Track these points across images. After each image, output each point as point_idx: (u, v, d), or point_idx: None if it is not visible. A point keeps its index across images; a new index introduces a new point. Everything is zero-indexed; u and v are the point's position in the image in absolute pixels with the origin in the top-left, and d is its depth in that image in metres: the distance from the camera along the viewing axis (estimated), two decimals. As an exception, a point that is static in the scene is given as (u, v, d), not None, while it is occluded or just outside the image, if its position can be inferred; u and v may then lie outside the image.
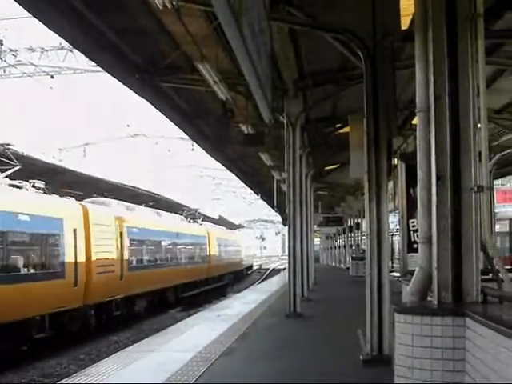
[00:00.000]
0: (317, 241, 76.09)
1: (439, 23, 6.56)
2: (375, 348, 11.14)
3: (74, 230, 21.07)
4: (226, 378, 10.50)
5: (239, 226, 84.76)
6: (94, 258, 22.16)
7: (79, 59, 29.24)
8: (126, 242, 25.88)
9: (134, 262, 26.91)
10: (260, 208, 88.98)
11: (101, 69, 18.11)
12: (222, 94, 15.77)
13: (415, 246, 12.95)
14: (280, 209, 45.32)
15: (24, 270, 18.07)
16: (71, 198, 23.43)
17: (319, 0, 12.55)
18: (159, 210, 35.62)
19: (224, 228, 59.96)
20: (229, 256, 53.52)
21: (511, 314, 5.44)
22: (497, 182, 42.04)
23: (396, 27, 12.13)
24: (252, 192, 53.71)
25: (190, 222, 42.19)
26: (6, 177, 19.71)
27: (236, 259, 58.37)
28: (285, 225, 26.60)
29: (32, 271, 18.56)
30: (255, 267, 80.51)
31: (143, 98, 18.28)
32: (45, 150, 38.40)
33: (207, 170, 65.48)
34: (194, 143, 31.00)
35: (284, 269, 48.72)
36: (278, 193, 37.41)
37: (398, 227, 23.02)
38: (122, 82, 16.95)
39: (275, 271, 68.23)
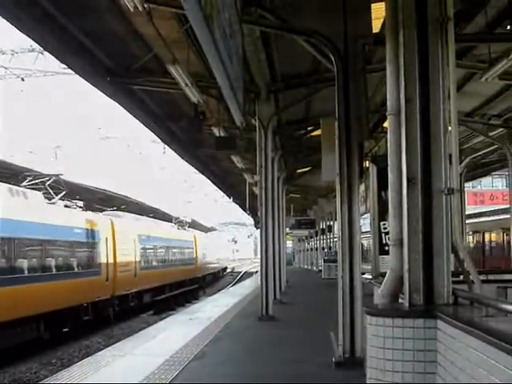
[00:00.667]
0: (289, 243, 76.23)
1: (410, 27, 6.60)
2: (347, 350, 11.15)
3: (106, 239, 27.33)
4: (198, 382, 10.47)
5: (211, 229, 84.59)
6: (118, 259, 28.52)
7: (50, 62, 29.08)
8: (138, 247, 32.24)
9: (143, 263, 33.10)
10: (232, 211, 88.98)
11: (72, 71, 17.99)
12: (194, 97, 15.74)
13: (387, 248, 13.00)
14: (252, 211, 45.36)
15: (78, 269, 24.17)
16: (99, 213, 30.36)
17: (291, 3, 12.56)
18: (155, 219, 42.26)
19: (203, 232, 62.67)
20: (210, 258, 58.32)
21: (481, 315, 5.47)
22: (467, 185, 42.35)
23: (367, 30, 12.18)
24: (224, 195, 53.64)
25: (178, 228, 48.49)
26: (59, 199, 25.94)
27: (215, 261, 62.87)
28: (257, 227, 26.56)
29: (82, 270, 24.58)
30: (228, 269, 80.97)
31: (115, 101, 18.21)
32: (14, 152, 38.14)
33: (179, 173, 65.39)
34: (166, 146, 30.88)
35: (256, 272, 48.73)
36: (250, 196, 37.42)
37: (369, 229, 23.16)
38: (93, 85, 16.85)
39: (247, 274, 68.22)
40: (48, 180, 25.77)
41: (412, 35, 6.57)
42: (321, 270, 43.51)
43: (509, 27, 12.46)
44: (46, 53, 26.76)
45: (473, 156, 27.83)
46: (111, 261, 27.60)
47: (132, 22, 13.60)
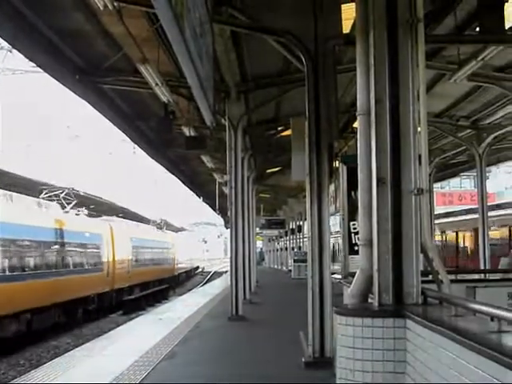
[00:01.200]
0: (259, 243, 76.27)
1: (380, 27, 6.61)
2: (317, 350, 11.17)
3: (107, 241, 32.39)
4: (168, 382, 10.43)
5: (181, 229, 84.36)
6: (116, 258, 33.50)
7: (19, 60, 28.85)
8: (130, 247, 36.90)
9: (134, 262, 37.96)
10: (202, 211, 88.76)
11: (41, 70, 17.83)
12: (164, 97, 15.69)
13: (356, 248, 13.06)
14: (222, 211, 45.36)
15: (87, 266, 29.10)
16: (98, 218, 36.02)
17: (262, 3, 12.57)
18: (138, 223, 46.13)
19: (175, 233, 64.16)
20: (183, 258, 62.05)
21: (450, 315, 5.50)
22: (436, 185, 42.65)
23: (338, 31, 12.22)
24: (194, 194, 53.53)
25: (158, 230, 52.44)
26: (71, 208, 31.04)
27: (187, 261, 66.69)
28: (227, 227, 26.56)
29: (90, 267, 29.52)
30: (199, 269, 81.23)
31: (84, 99, 18.07)
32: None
33: (149, 172, 65.31)
34: (136, 146, 30.73)
35: (226, 271, 48.71)
36: (220, 195, 37.39)
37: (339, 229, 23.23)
38: (62, 84, 16.71)
39: (217, 274, 68.18)
40: (61, 192, 30.84)
41: (382, 36, 6.59)
42: (291, 270, 43.61)
43: (478, 29, 12.54)
44: (14, 51, 26.45)
45: (442, 157, 28.05)
46: (110, 259, 32.66)
47: (102, 21, 13.51)
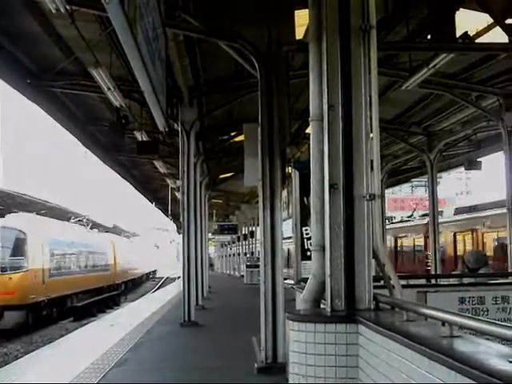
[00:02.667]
0: (211, 249, 76.11)
1: (333, 34, 6.62)
2: (270, 356, 11.17)
3: (110, 248, 46.81)
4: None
5: (134, 235, 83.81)
6: (117, 261, 47.89)
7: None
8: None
9: (121, 263, 50.42)
10: (154, 216, 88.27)
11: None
12: (116, 101, 15.57)
13: (309, 253, 13.09)
14: (174, 217, 45.18)
15: (101, 267, 42.79)
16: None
17: (215, 8, 12.55)
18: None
19: (124, 238, 64.61)
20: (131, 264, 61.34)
21: (402, 320, 5.53)
22: (388, 191, 43.07)
23: (291, 37, 12.24)
24: (146, 200, 53.25)
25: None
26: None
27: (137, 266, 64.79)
28: (179, 233, 26.49)
29: (103, 268, 43.38)
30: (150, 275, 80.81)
31: (35, 103, 17.83)
32: None
33: (101, 177, 64.89)
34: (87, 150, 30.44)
35: (178, 277, 48.51)
36: (172, 201, 37.24)
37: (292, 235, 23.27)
38: (12, 87, 16.46)
39: (170, 279, 67.90)
40: (83, 218, 45.65)
41: (335, 42, 6.60)
42: (243, 276, 43.60)
43: (429, 37, 12.71)
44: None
45: (393, 163, 28.33)
46: (113, 262, 46.62)
47: (54, 24, 13.38)
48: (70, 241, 35.91)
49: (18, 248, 26.75)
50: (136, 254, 62.91)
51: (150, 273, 79.47)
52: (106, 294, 41.16)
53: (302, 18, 11.87)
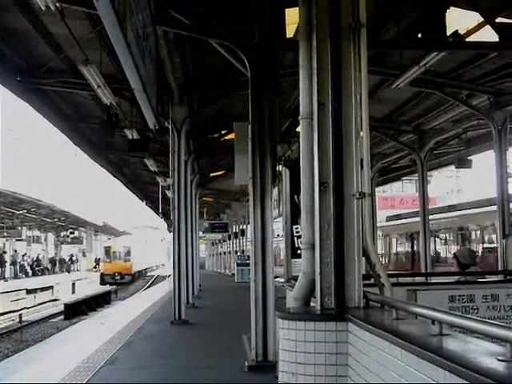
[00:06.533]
0: (202, 247, 76.09)
1: (323, 32, 6.61)
2: (260, 354, 11.18)
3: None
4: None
5: (124, 233, 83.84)
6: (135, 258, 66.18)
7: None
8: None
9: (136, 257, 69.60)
10: (145, 214, 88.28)
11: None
12: (107, 99, 15.51)
13: (299, 251, 13.08)
14: (165, 215, 45.13)
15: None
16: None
17: (205, 7, 12.52)
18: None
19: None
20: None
21: (392, 318, 5.53)
22: (378, 189, 43.12)
23: (281, 35, 12.24)
24: (137, 198, 53.16)
25: None
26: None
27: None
28: (170, 231, 26.47)
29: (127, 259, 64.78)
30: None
31: (25, 101, 17.77)
32: None
33: (91, 175, 65.30)
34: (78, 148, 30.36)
35: (169, 275, 48.50)
36: (163, 199, 37.18)
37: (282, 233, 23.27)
38: (1, 85, 16.42)
39: (160, 278, 67.87)
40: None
41: (325, 40, 6.59)
42: (234, 274, 43.57)
43: (420, 35, 12.72)
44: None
45: (384, 161, 28.36)
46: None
47: (43, 21, 13.33)
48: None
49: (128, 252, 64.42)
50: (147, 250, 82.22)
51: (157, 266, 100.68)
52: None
53: (292, 17, 11.86)
